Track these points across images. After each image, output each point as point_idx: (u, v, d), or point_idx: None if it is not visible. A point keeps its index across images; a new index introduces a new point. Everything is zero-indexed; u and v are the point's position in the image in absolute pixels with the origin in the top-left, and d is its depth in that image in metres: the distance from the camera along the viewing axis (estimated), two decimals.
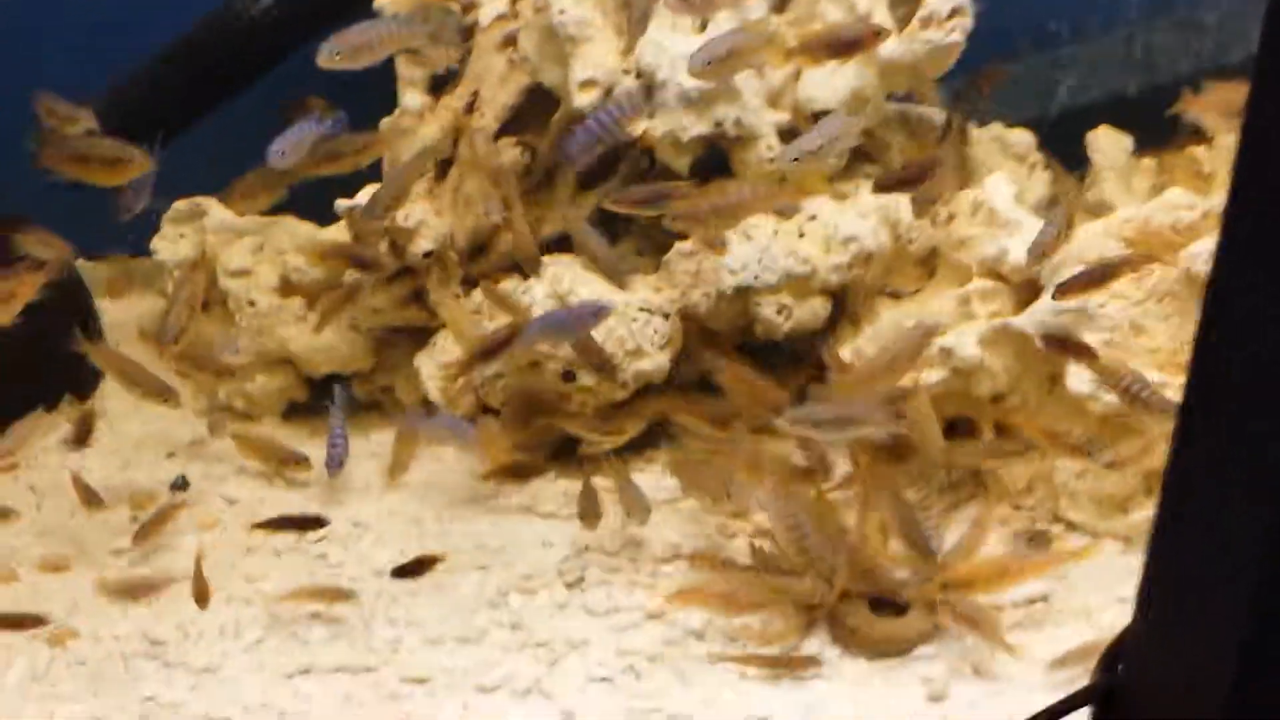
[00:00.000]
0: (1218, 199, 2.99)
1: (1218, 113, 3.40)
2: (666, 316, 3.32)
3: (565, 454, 3.39)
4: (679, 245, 3.37)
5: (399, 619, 2.86)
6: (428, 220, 3.56)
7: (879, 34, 3.21)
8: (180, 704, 2.65)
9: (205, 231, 3.81)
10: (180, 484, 3.41)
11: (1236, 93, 3.14)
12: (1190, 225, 3.11)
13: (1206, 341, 1.58)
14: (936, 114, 3.72)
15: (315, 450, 3.42)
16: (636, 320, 3.31)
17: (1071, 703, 1.84)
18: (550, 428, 3.39)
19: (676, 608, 2.81)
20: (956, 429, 3.20)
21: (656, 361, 3.30)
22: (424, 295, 3.60)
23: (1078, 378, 2.95)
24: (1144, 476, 2.92)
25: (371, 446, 3.56)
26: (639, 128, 3.35)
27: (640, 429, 3.35)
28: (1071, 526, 2.97)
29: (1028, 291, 3.15)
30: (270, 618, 2.90)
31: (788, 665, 2.64)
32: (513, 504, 3.24)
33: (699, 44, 3.28)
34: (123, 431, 3.58)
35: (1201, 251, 2.93)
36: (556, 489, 3.28)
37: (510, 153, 3.67)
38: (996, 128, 3.80)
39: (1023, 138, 3.78)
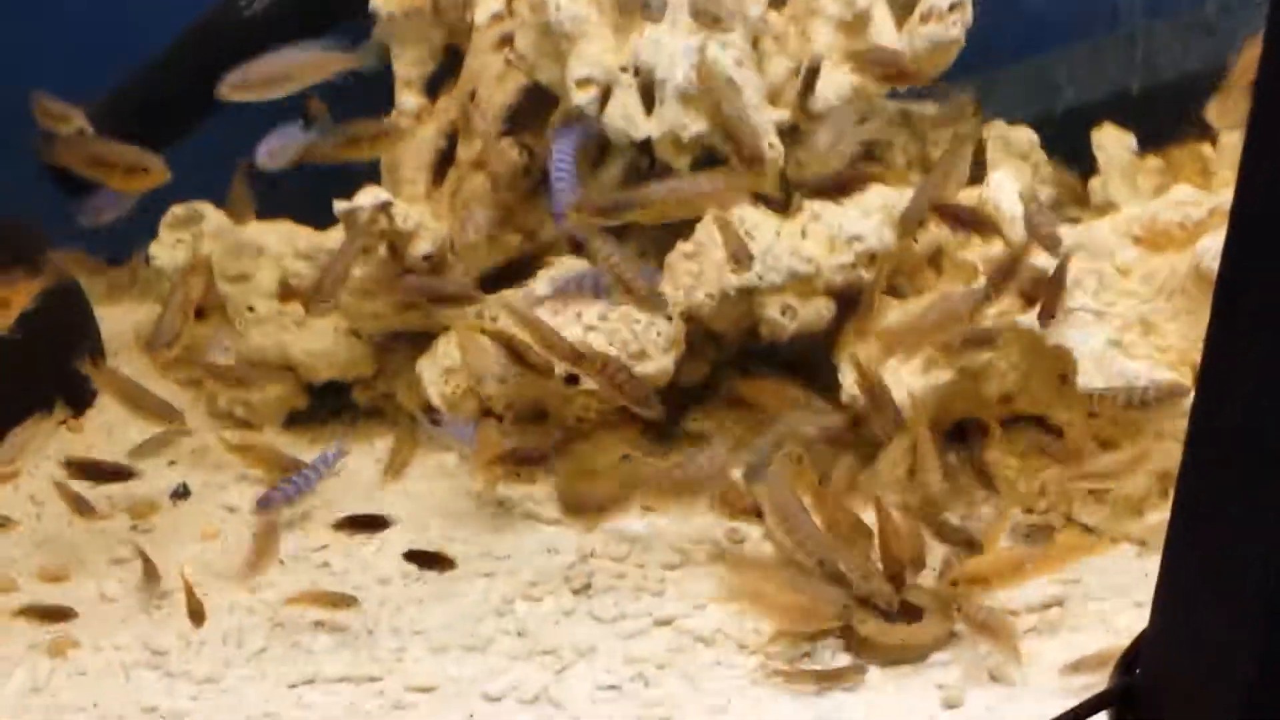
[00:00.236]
0: (1225, 195, 2.97)
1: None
2: (670, 318, 3.29)
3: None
4: (681, 246, 3.34)
5: (403, 628, 2.83)
6: (426, 223, 3.53)
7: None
8: (182, 714, 2.62)
9: (203, 236, 3.79)
10: (181, 492, 3.38)
11: None
12: (1198, 222, 3.08)
13: (1218, 339, 1.56)
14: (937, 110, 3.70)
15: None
16: (639, 322, 3.28)
17: (1090, 706, 1.82)
18: (551, 433, 3.37)
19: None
20: (965, 430, 3.18)
21: (660, 364, 3.27)
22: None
23: (1089, 376, 2.92)
24: (1159, 478, 2.89)
25: (375, 453, 3.54)
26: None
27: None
28: (1087, 530, 2.94)
29: (1035, 290, 3.12)
30: (273, 627, 2.86)
31: (835, 678, 2.60)
32: (517, 511, 3.21)
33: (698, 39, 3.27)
34: (123, 439, 3.54)
35: (1211, 247, 2.90)
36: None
37: (510, 154, 3.64)
38: (999, 126, 3.78)
39: (1025, 136, 3.75)
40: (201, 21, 3.98)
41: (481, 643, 2.77)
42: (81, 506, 3.17)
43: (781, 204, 3.41)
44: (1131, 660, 1.84)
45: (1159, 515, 2.85)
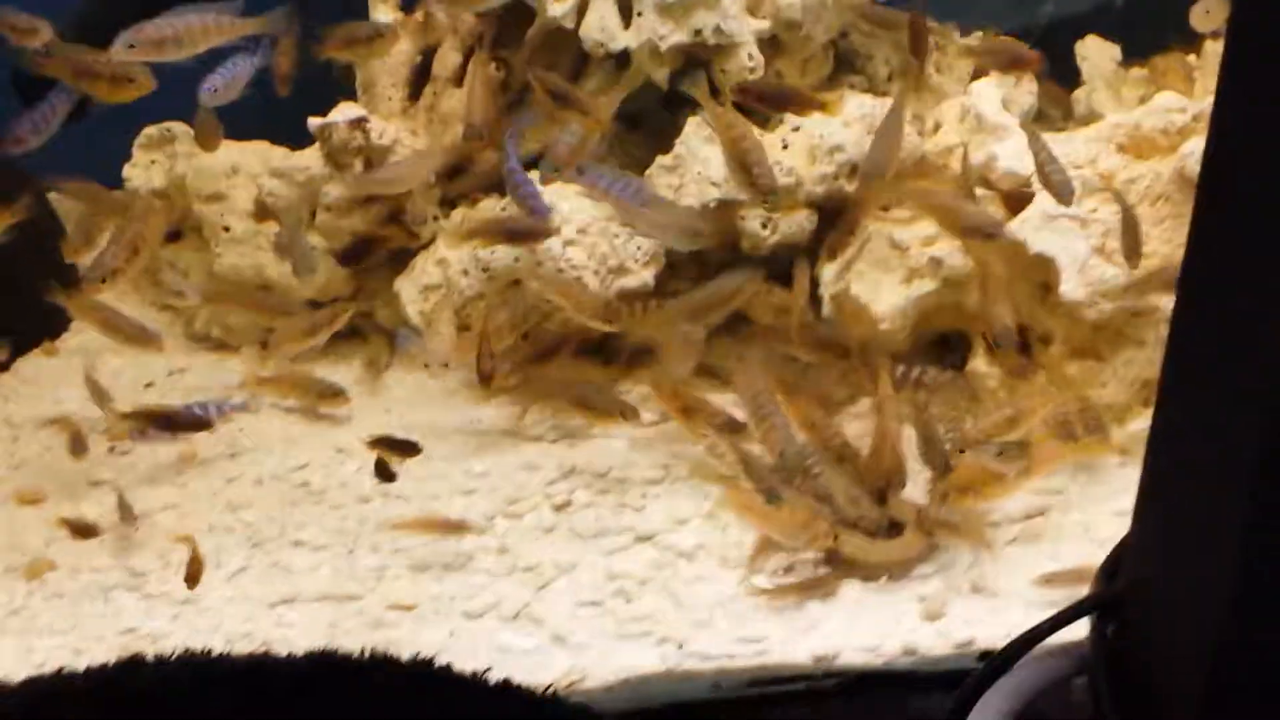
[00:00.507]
0: (1208, 102, 2.95)
1: None
2: (649, 234, 3.25)
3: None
4: (661, 159, 3.31)
5: (383, 546, 2.81)
6: (403, 139, 3.50)
7: None
8: (161, 635, 2.60)
9: (177, 157, 3.75)
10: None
11: None
12: (1181, 128, 3.06)
13: (1199, 240, 1.55)
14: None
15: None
16: (619, 237, 3.25)
17: (1071, 614, 1.82)
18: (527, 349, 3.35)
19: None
20: (949, 343, 3.17)
21: (641, 278, 3.24)
22: (402, 216, 3.54)
23: (1071, 284, 2.90)
24: (1140, 386, 2.89)
25: (354, 372, 3.51)
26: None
27: None
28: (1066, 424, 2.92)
29: (1017, 198, 3.09)
30: (252, 547, 2.85)
31: (814, 587, 2.59)
32: (498, 429, 3.19)
33: None
34: (101, 361, 3.50)
35: (1194, 151, 2.88)
36: (541, 412, 3.22)
37: (487, 70, 3.60)
38: (981, 37, 3.74)
39: None
40: None
41: (462, 560, 2.75)
42: (77, 446, 3.14)
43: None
44: (1114, 567, 1.84)
45: (1141, 424, 2.85)
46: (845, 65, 3.59)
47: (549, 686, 2.06)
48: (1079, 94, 3.62)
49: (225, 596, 2.72)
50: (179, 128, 3.76)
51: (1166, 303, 2.74)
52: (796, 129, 3.30)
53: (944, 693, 1.91)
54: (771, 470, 2.70)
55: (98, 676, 2.00)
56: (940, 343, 3.20)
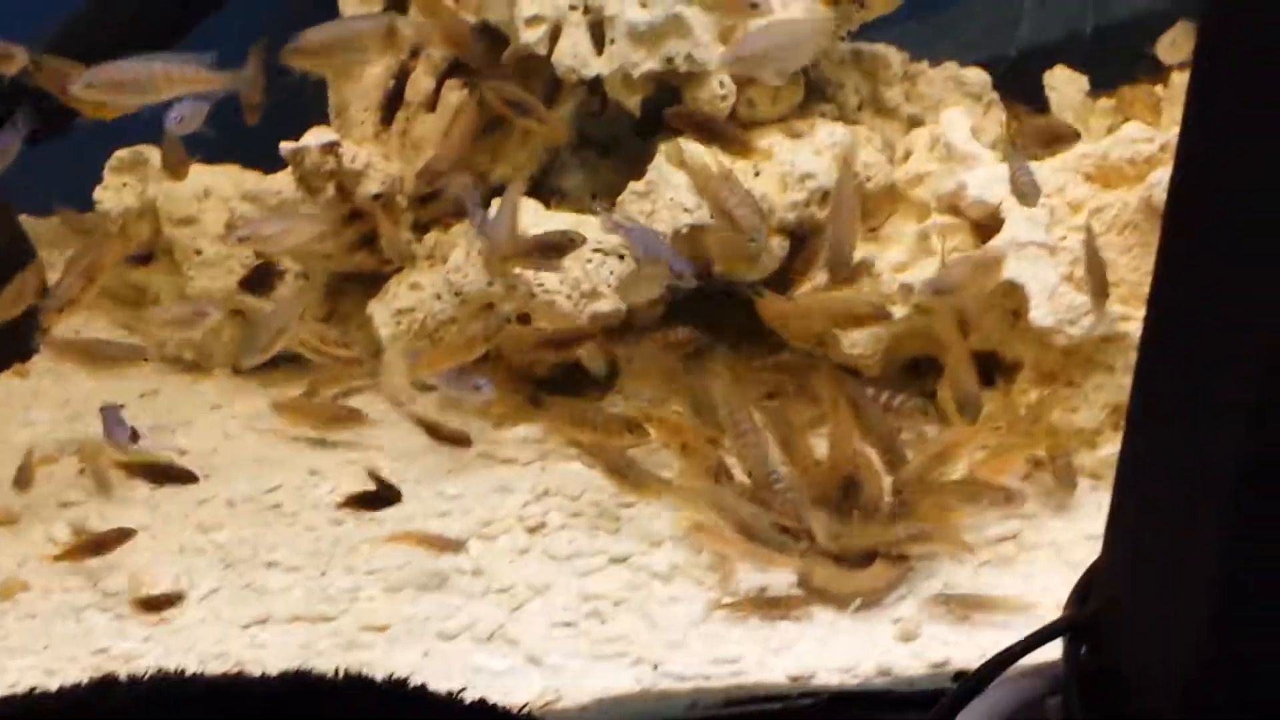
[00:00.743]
0: (1175, 132, 2.98)
1: None
2: (622, 257, 3.27)
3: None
4: (633, 185, 3.32)
5: (357, 567, 2.81)
6: (375, 163, 3.51)
7: None
8: (134, 655, 2.59)
9: (148, 180, 3.75)
10: (131, 436, 3.34)
11: None
12: (1149, 158, 3.10)
13: (1165, 268, 1.57)
14: (891, 52, 3.69)
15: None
16: (591, 261, 3.26)
17: (1044, 636, 1.83)
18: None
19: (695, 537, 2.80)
20: (920, 368, 3.19)
21: (614, 302, 3.25)
22: (374, 240, 3.54)
23: (1041, 311, 2.93)
24: (1111, 411, 2.92)
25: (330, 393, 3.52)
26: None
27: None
28: (1038, 464, 2.95)
29: (987, 226, 3.12)
30: (225, 568, 2.84)
31: (781, 606, 2.61)
32: (471, 451, 3.19)
33: None
34: (72, 383, 3.50)
35: (1161, 180, 2.91)
36: (515, 434, 3.23)
37: (458, 95, 3.62)
38: (951, 66, 3.78)
39: (978, 76, 3.76)
40: None
41: (436, 582, 2.76)
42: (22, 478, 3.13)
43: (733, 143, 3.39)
44: (1087, 590, 1.86)
45: (1112, 448, 2.87)
46: (816, 94, 3.61)
47: (524, 707, 2.07)
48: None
49: (198, 618, 2.71)
50: (150, 151, 3.75)
51: (1135, 329, 2.78)
52: (768, 156, 3.32)
53: (919, 713, 1.93)
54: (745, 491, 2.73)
55: (70, 697, 2.00)
56: (912, 368, 3.23)
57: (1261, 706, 1.51)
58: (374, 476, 2.97)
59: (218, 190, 3.66)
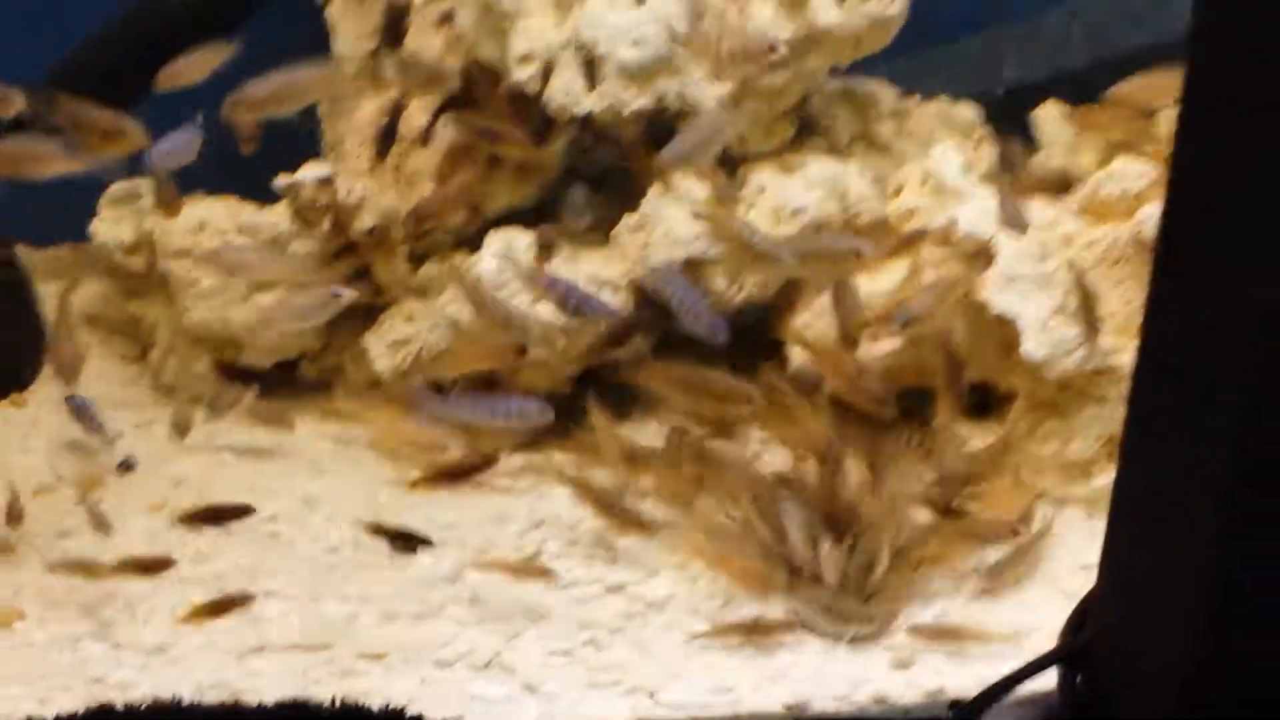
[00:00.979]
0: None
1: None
2: (617, 289, 3.30)
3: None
4: (628, 218, 3.35)
5: (353, 595, 2.82)
6: (370, 196, 3.52)
7: None
8: (130, 684, 2.59)
9: (144, 213, 3.77)
10: (127, 465, 3.35)
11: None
12: (1139, 193, 3.13)
13: (1156, 301, 1.59)
14: (882, 88, 3.73)
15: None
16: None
17: (1040, 664, 1.85)
18: None
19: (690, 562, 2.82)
20: (912, 400, 3.21)
21: (601, 336, 3.28)
22: (369, 273, 3.56)
23: (1033, 344, 2.95)
24: (1105, 442, 2.94)
25: (323, 426, 3.53)
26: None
27: None
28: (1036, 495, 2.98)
29: (978, 260, 3.15)
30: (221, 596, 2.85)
31: (766, 631, 2.62)
32: (469, 481, 3.20)
33: (639, 16, 3.28)
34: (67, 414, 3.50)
35: (1151, 215, 2.94)
36: (512, 463, 3.25)
37: (453, 129, 3.64)
38: (942, 102, 3.81)
39: (967, 112, 3.79)
40: (134, 7, 3.95)
41: (432, 609, 2.77)
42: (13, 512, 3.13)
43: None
44: (1081, 619, 1.88)
45: (1105, 478, 2.89)
46: (808, 129, 3.65)
47: None
48: (1037, 159, 3.68)
49: (194, 646, 2.71)
50: (146, 184, 3.76)
51: (1127, 361, 2.80)
52: (761, 190, 3.36)
53: None
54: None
55: None
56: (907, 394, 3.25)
57: None
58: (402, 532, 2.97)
59: (214, 222, 3.67)
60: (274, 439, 3.49)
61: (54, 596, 2.86)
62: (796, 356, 3.20)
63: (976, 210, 3.15)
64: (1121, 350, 2.89)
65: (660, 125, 3.42)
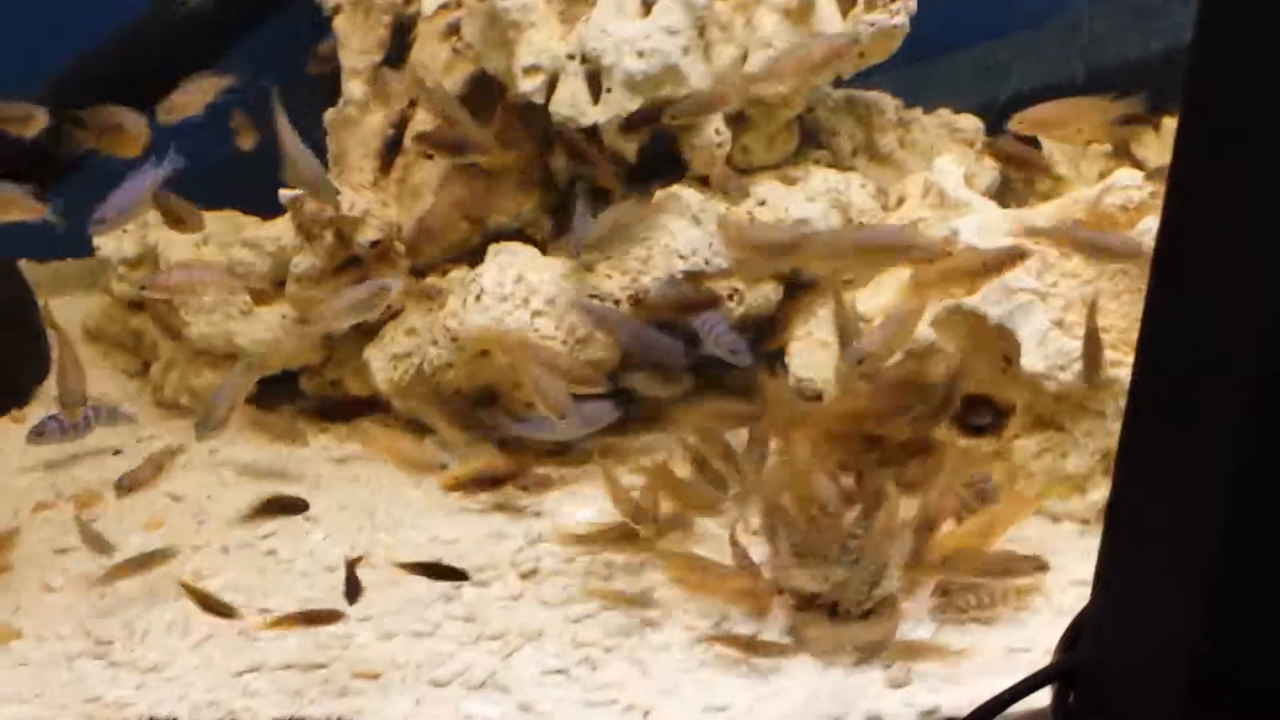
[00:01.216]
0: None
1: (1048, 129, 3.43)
2: (618, 303, 3.29)
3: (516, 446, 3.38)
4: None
5: (350, 614, 2.81)
6: (373, 210, 3.52)
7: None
8: (126, 703, 2.59)
9: (148, 226, 3.77)
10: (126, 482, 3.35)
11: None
12: (1140, 204, 3.11)
13: (1154, 317, 1.58)
14: (885, 99, 3.72)
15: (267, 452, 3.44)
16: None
17: (1034, 682, 1.84)
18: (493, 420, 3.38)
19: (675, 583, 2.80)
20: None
21: (608, 348, 3.27)
22: None
23: (1031, 357, 2.94)
24: (1102, 456, 2.92)
25: (323, 440, 3.53)
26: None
27: None
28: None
29: (980, 272, 3.13)
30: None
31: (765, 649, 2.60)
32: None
33: (644, 27, 3.27)
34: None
35: (1152, 227, 2.92)
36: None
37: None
38: (944, 113, 3.81)
39: (970, 123, 3.80)
40: (142, 14, 3.95)
41: (429, 628, 2.76)
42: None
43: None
44: (1075, 636, 1.86)
45: (1101, 493, 2.88)
46: (811, 140, 3.64)
47: None
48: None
49: (190, 665, 2.70)
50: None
51: (1126, 375, 2.78)
52: (763, 203, 3.35)
53: None
54: None
55: None
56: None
57: None
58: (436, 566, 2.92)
59: (217, 236, 3.69)
60: (274, 455, 3.48)
61: (51, 615, 2.86)
62: (793, 376, 3.19)
63: (978, 222, 3.13)
64: (1120, 364, 2.87)
65: (665, 138, 3.42)
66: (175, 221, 3.47)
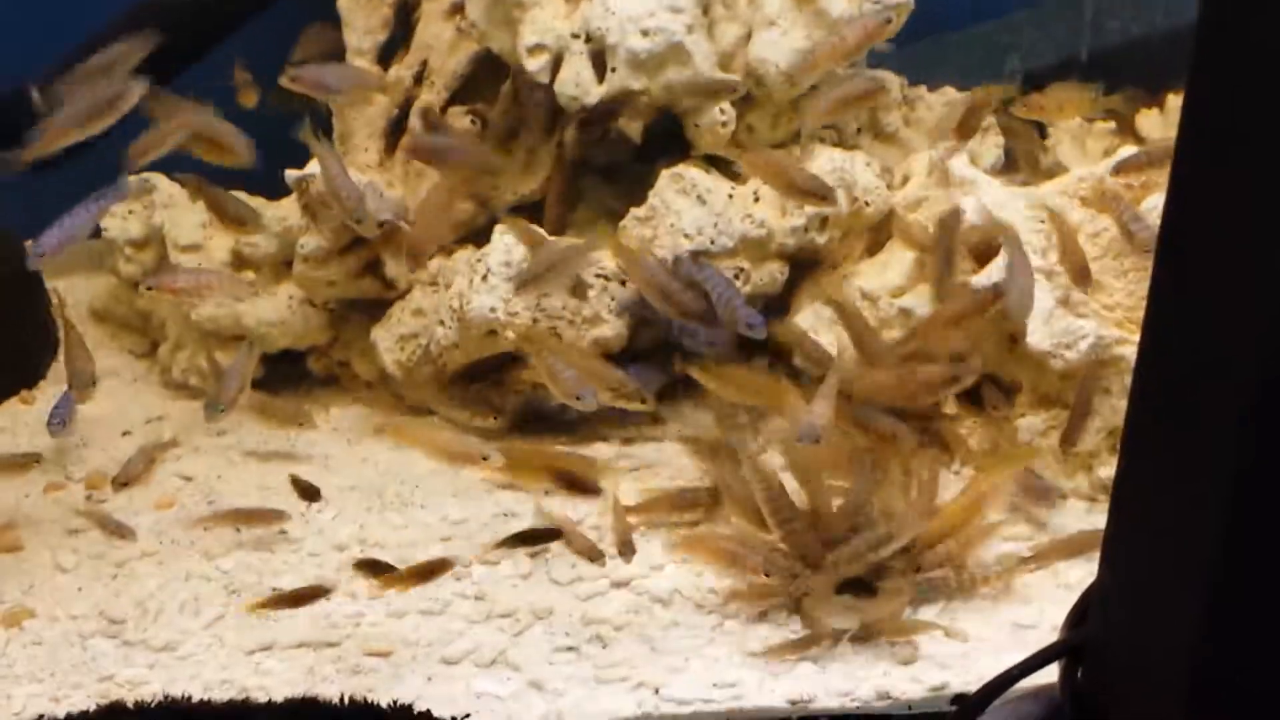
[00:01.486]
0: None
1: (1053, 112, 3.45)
2: (624, 283, 3.30)
3: (525, 424, 3.40)
4: (635, 210, 3.35)
5: (359, 593, 2.83)
6: (382, 191, 3.53)
7: None
8: (139, 683, 2.61)
9: (155, 207, 3.78)
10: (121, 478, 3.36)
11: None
12: (1144, 183, 3.12)
13: (1154, 321, 1.59)
14: (890, 78, 3.72)
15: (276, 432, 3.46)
16: (592, 287, 3.29)
17: (1041, 658, 1.85)
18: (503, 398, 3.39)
19: (685, 556, 2.83)
20: None
21: (615, 328, 3.28)
22: (378, 267, 3.57)
23: (1037, 335, 2.95)
24: (1109, 433, 2.94)
25: (331, 421, 3.55)
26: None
27: None
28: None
29: (984, 251, 3.15)
30: (229, 594, 2.86)
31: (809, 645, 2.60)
32: (475, 476, 3.21)
33: (648, 5, 3.28)
34: (79, 410, 3.51)
35: (1157, 206, 2.93)
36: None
37: (461, 123, 3.65)
38: (949, 91, 3.80)
39: None
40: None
41: (439, 606, 2.77)
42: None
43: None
44: (1083, 612, 1.87)
45: (1108, 470, 2.90)
46: None
47: None
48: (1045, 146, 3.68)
49: (203, 644, 2.72)
50: (158, 178, 3.77)
51: (1131, 352, 2.80)
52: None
53: None
54: None
55: None
56: None
57: None
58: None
59: None
60: (283, 436, 3.50)
61: (64, 595, 2.88)
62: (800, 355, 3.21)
63: (983, 200, 3.14)
64: (1126, 341, 2.88)
65: (670, 117, 3.42)
66: (236, 223, 3.51)
